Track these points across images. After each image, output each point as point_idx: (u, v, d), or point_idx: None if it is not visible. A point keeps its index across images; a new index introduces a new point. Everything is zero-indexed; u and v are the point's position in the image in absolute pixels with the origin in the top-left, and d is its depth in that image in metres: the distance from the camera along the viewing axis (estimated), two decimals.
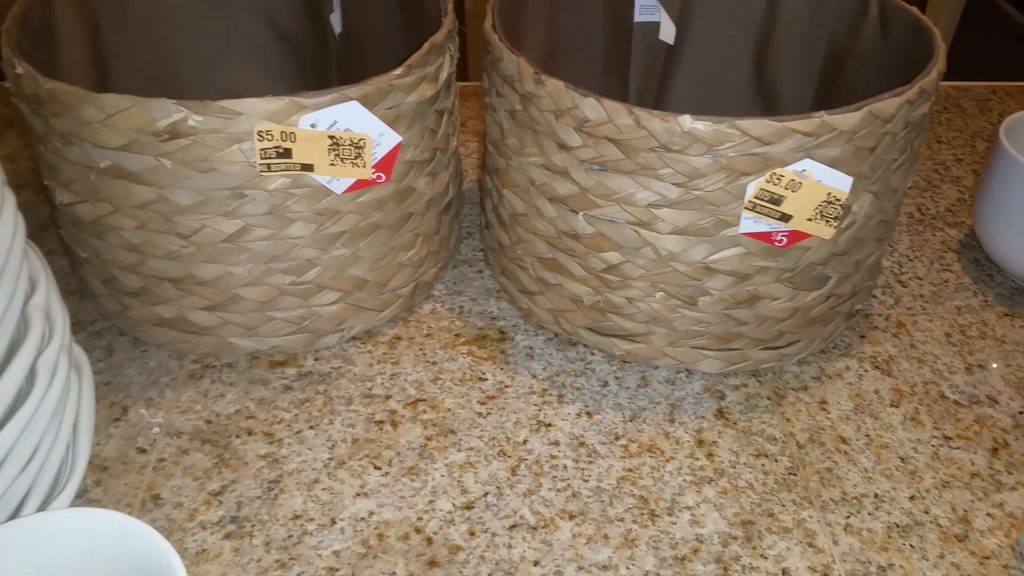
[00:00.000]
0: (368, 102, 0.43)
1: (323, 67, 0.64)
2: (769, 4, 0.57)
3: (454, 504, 0.43)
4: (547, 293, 0.51)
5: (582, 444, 0.46)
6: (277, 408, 0.48)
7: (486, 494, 0.43)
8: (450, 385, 0.49)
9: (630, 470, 0.44)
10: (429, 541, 0.41)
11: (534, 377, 0.50)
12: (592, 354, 0.51)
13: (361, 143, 0.43)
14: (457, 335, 0.53)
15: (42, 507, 0.38)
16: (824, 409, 0.48)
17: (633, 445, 0.46)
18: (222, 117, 0.42)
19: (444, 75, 0.49)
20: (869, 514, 0.42)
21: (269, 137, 0.42)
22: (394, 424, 0.47)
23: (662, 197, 0.43)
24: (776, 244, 0.43)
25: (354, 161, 0.44)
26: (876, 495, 0.43)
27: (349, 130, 0.43)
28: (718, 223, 0.43)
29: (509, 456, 0.45)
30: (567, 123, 0.43)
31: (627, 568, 0.40)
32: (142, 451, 0.46)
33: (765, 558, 0.40)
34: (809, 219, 0.42)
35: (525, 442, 0.46)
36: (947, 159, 0.70)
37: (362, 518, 0.42)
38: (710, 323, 0.47)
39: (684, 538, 0.41)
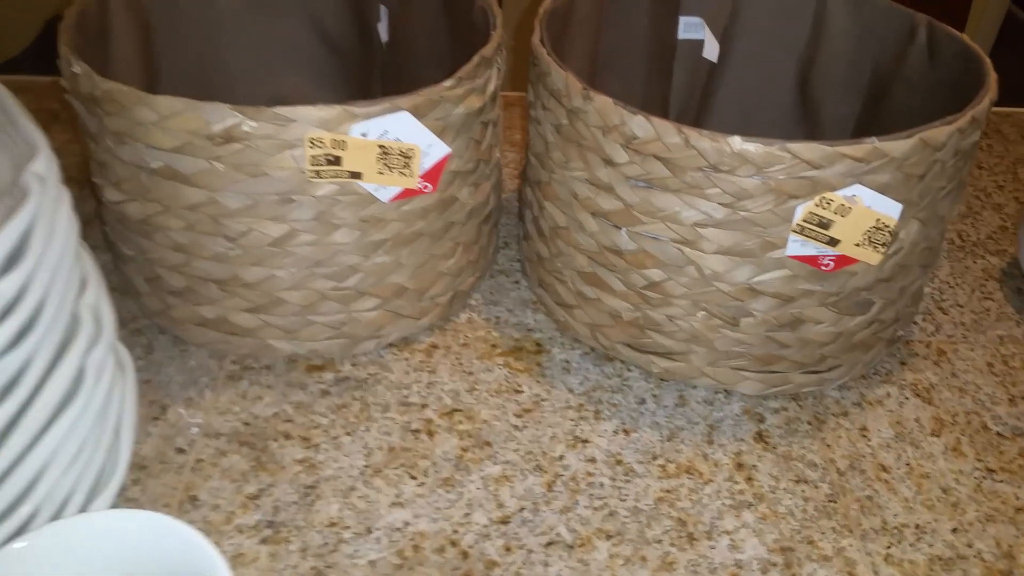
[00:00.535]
0: (418, 113, 0.44)
1: (368, 75, 0.65)
2: (814, 25, 0.57)
3: (490, 518, 0.42)
4: (585, 307, 0.51)
5: (619, 462, 0.45)
6: (314, 413, 0.48)
7: (522, 509, 0.43)
8: (486, 396, 0.49)
9: (668, 491, 0.44)
10: (465, 555, 0.41)
11: (570, 391, 0.50)
12: (629, 370, 0.51)
13: (410, 153, 0.44)
14: (493, 346, 0.53)
15: (85, 506, 0.38)
16: (864, 436, 0.47)
17: (671, 466, 0.45)
18: (275, 123, 0.42)
19: (491, 88, 0.49)
20: (911, 545, 0.42)
21: (320, 144, 0.43)
22: (430, 434, 0.47)
23: (708, 216, 0.42)
24: (823, 268, 0.43)
25: (402, 170, 0.44)
26: (917, 526, 0.42)
27: (399, 140, 0.43)
28: (764, 244, 0.42)
29: (545, 471, 0.45)
30: (614, 139, 0.43)
31: None
32: (180, 451, 0.46)
33: None
34: (857, 244, 0.42)
35: (561, 457, 0.46)
36: (988, 186, 0.69)
37: (398, 528, 0.42)
38: (751, 344, 0.47)
39: (723, 563, 0.41)
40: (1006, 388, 0.51)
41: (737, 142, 0.39)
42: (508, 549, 0.41)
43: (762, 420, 0.48)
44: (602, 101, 0.43)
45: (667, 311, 0.47)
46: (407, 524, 0.42)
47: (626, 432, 0.47)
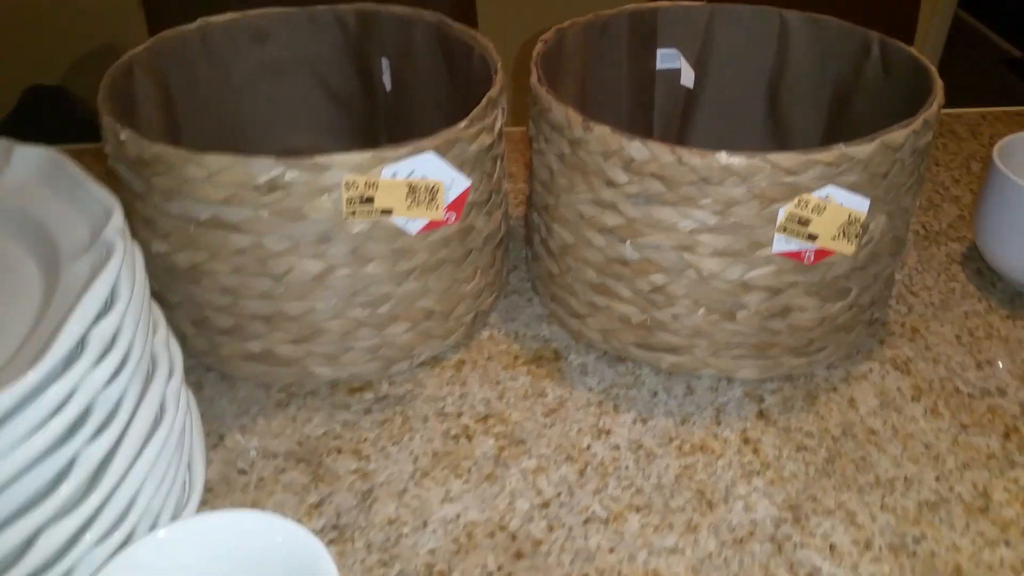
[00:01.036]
0: (440, 152, 0.49)
1: (372, 123, 0.71)
2: (779, 49, 0.64)
3: (531, 504, 0.48)
4: (597, 315, 0.56)
5: (640, 447, 0.51)
6: (361, 428, 0.53)
7: (559, 494, 0.48)
8: (515, 401, 0.55)
9: (686, 467, 0.49)
10: (513, 537, 0.46)
11: (590, 390, 0.55)
12: (640, 368, 0.57)
13: (435, 189, 0.49)
14: (516, 357, 0.58)
15: (173, 521, 0.43)
16: (853, 406, 0.53)
17: (686, 445, 0.51)
18: (314, 171, 0.48)
19: (498, 126, 0.55)
20: (901, 494, 0.47)
21: (355, 187, 0.48)
22: (468, 438, 0.52)
23: (702, 224, 0.48)
24: (805, 261, 0.49)
25: (428, 204, 0.50)
26: (906, 478, 0.48)
27: (425, 177, 0.49)
28: (753, 245, 0.48)
29: (576, 460, 0.50)
30: (614, 163, 0.49)
31: (692, 551, 0.45)
32: (242, 472, 0.51)
33: (813, 536, 0.45)
34: (833, 238, 0.48)
35: (588, 447, 0.51)
36: (946, 180, 0.76)
37: (451, 520, 0.47)
38: (747, 334, 0.53)
39: (740, 523, 0.46)
40: (973, 356, 0.57)
41: (723, 157, 0.45)
42: (551, 528, 0.46)
43: (762, 400, 0.54)
44: (601, 130, 0.49)
45: (671, 311, 0.53)
46: (458, 516, 0.47)
47: (643, 421, 0.53)
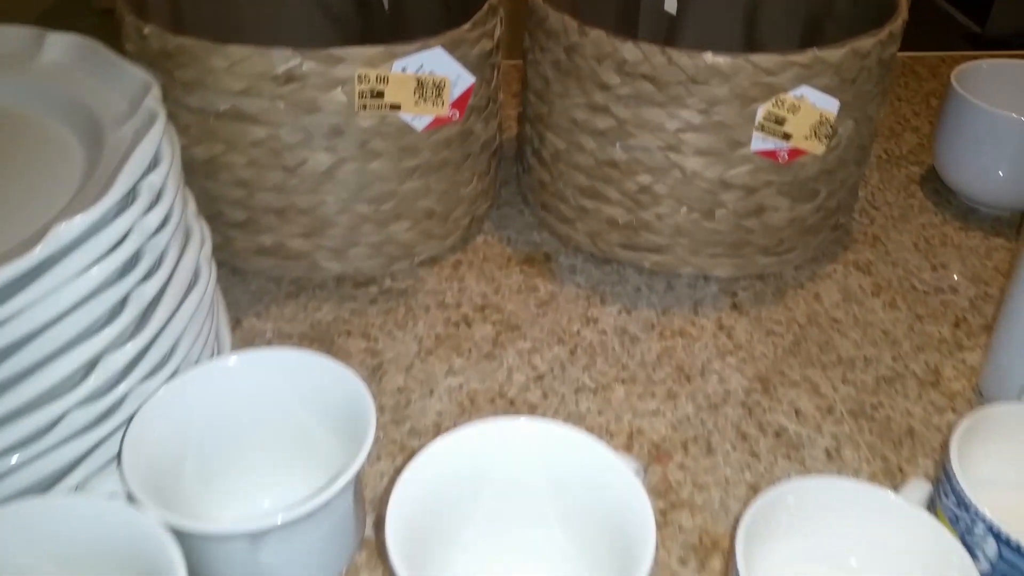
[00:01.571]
0: (447, 49, 0.53)
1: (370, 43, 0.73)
2: None
3: (527, 377, 0.52)
4: (585, 219, 0.61)
5: (625, 332, 0.56)
6: (368, 315, 0.57)
7: (552, 369, 0.53)
8: (509, 295, 0.59)
9: (666, 348, 0.54)
10: (512, 402, 0.50)
11: (578, 287, 0.59)
12: (625, 268, 0.61)
13: (442, 84, 0.53)
14: (509, 258, 0.62)
15: None
16: (818, 300, 0.58)
17: (667, 331, 0.56)
18: (329, 63, 0.51)
19: (497, 33, 0.59)
20: (861, 370, 0.52)
21: (367, 80, 0.52)
22: (468, 324, 0.56)
23: (687, 123, 0.53)
24: (779, 160, 0.54)
25: (435, 101, 0.54)
26: (865, 358, 0.53)
27: (432, 72, 0.52)
28: (733, 143, 0.53)
29: (566, 343, 0.55)
30: (607, 66, 0.53)
31: (672, 413, 0.49)
32: None
33: (780, 402, 0.50)
34: (806, 137, 0.52)
35: (578, 331, 0.55)
36: (907, 113, 0.81)
37: (455, 389, 0.51)
38: (725, 232, 0.57)
39: (715, 392, 0.51)
40: (928, 260, 0.62)
41: (709, 57, 0.50)
42: (545, 396, 0.51)
43: (735, 295, 0.59)
44: (596, 34, 0.53)
45: (656, 210, 0.57)
46: (461, 386, 0.51)
47: (628, 312, 0.57)
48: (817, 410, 0.50)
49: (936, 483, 0.41)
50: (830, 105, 0.51)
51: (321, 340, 0.55)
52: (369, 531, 0.43)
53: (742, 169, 0.54)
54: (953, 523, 0.40)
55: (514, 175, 0.71)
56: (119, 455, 0.35)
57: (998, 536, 0.38)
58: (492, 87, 0.60)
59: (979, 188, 0.65)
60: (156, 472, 0.35)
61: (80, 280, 0.35)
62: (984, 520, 0.38)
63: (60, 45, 0.48)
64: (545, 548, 0.38)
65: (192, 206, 0.48)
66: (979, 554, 0.39)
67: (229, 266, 0.61)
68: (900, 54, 0.90)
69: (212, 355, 0.48)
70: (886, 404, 0.50)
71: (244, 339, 0.55)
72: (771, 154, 0.53)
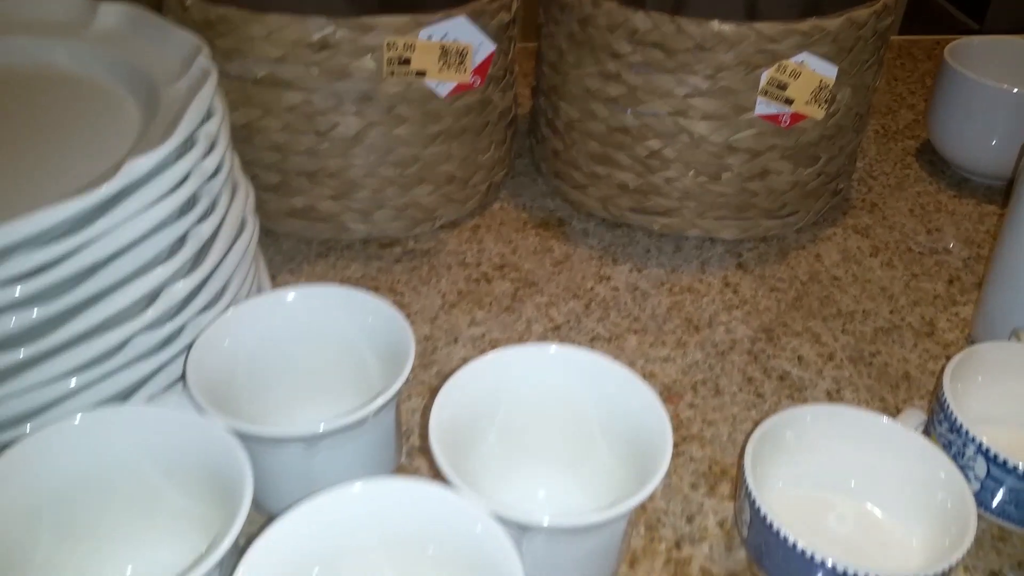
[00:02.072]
0: (470, 18, 0.56)
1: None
2: None
3: (545, 328, 0.55)
4: (597, 184, 0.64)
5: (636, 288, 0.59)
6: (393, 273, 0.60)
7: (568, 321, 0.56)
8: (526, 255, 0.62)
9: (676, 303, 0.58)
10: None
11: (591, 248, 0.63)
12: (635, 232, 0.64)
13: (465, 51, 0.56)
14: (525, 223, 0.66)
15: None
16: (819, 260, 0.61)
17: (676, 287, 0.59)
18: (360, 31, 0.54)
19: (514, 7, 0.62)
20: (860, 322, 0.56)
21: (395, 47, 0.55)
22: (488, 280, 0.60)
23: (695, 89, 0.56)
24: (782, 124, 0.57)
25: (457, 68, 0.57)
26: (864, 311, 0.57)
27: (456, 40, 0.56)
28: (738, 108, 0.56)
29: (581, 298, 0.58)
30: (619, 35, 0.56)
31: (681, 359, 0.53)
32: None
33: (784, 350, 0.54)
34: (807, 102, 0.56)
35: (592, 288, 0.59)
36: (903, 92, 0.84)
37: (477, 337, 0.55)
38: (730, 195, 0.61)
39: (722, 340, 0.54)
40: (924, 224, 0.65)
41: (716, 25, 0.53)
42: (562, 344, 0.54)
43: (740, 256, 0.62)
44: (608, 5, 0.56)
45: (665, 175, 0.61)
46: (483, 335, 0.55)
47: (638, 270, 0.61)
48: (819, 357, 0.53)
49: (930, 413, 0.45)
50: (829, 71, 0.55)
51: None
52: (404, 458, 0.46)
53: (747, 133, 0.57)
54: (947, 448, 0.43)
55: (527, 148, 0.74)
56: (184, 372, 0.38)
57: (987, 454, 0.41)
58: (509, 59, 0.64)
59: (972, 158, 0.69)
60: (217, 391, 0.38)
61: (145, 215, 0.38)
62: (974, 441, 0.41)
63: (112, 12, 0.51)
64: (574, 458, 0.42)
65: (238, 162, 0.51)
66: (970, 475, 0.42)
67: (263, 228, 0.64)
68: (896, 38, 0.94)
69: None
70: (884, 352, 0.54)
71: None
72: (774, 118, 0.57)
